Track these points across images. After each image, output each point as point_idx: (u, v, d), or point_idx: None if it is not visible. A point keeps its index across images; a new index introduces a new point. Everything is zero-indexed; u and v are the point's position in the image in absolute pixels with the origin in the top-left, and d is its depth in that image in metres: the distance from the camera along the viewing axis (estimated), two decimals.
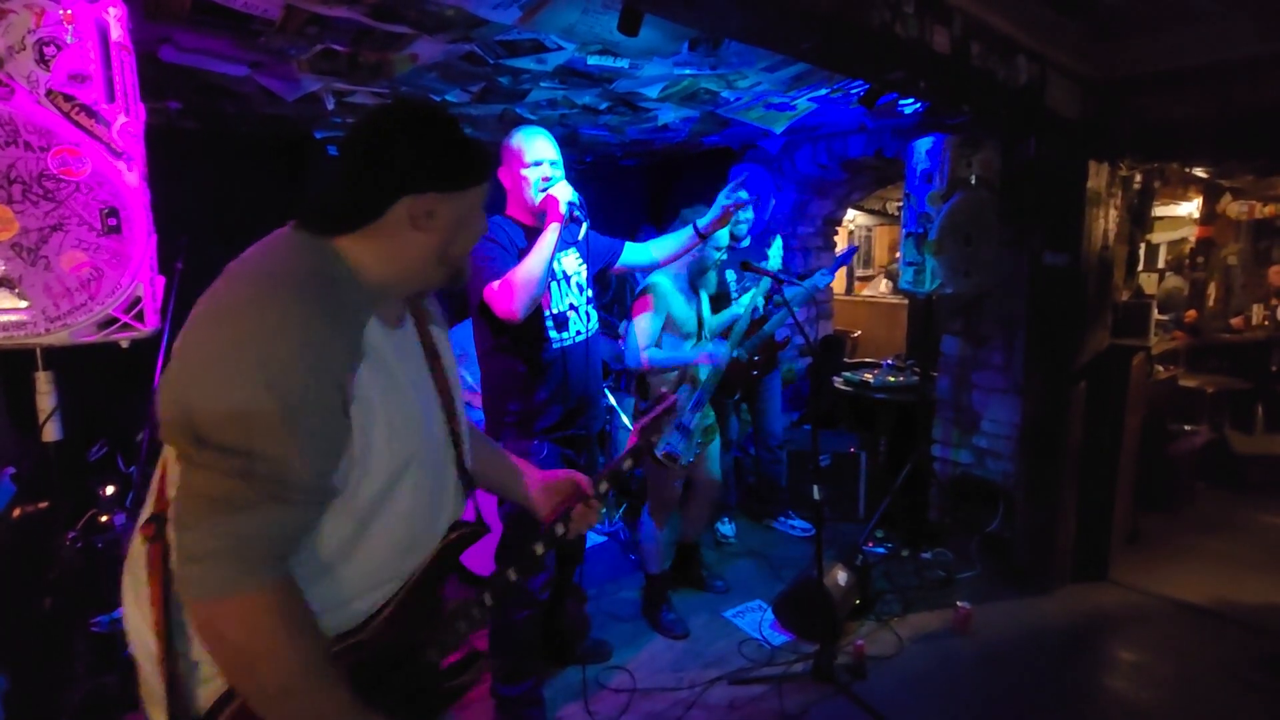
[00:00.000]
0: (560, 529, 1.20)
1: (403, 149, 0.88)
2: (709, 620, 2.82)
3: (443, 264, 0.96)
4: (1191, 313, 5.32)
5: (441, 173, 0.90)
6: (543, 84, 2.82)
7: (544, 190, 1.98)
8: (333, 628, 0.89)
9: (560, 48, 2.37)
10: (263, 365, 0.76)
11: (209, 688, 0.85)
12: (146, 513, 0.89)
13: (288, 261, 0.86)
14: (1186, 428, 4.22)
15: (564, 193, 1.94)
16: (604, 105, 3.19)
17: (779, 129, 3.64)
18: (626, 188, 5.22)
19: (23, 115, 1.28)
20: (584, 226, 2.06)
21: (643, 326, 2.53)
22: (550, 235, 1.91)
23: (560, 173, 2.03)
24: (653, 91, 2.96)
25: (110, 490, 2.63)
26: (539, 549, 1.18)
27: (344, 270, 0.89)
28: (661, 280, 2.59)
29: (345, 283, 0.88)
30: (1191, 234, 6.38)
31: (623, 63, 2.56)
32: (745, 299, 2.93)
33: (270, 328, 0.78)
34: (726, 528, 3.56)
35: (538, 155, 2.01)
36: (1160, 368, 4.09)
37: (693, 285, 2.70)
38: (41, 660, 1.80)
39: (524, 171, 2.01)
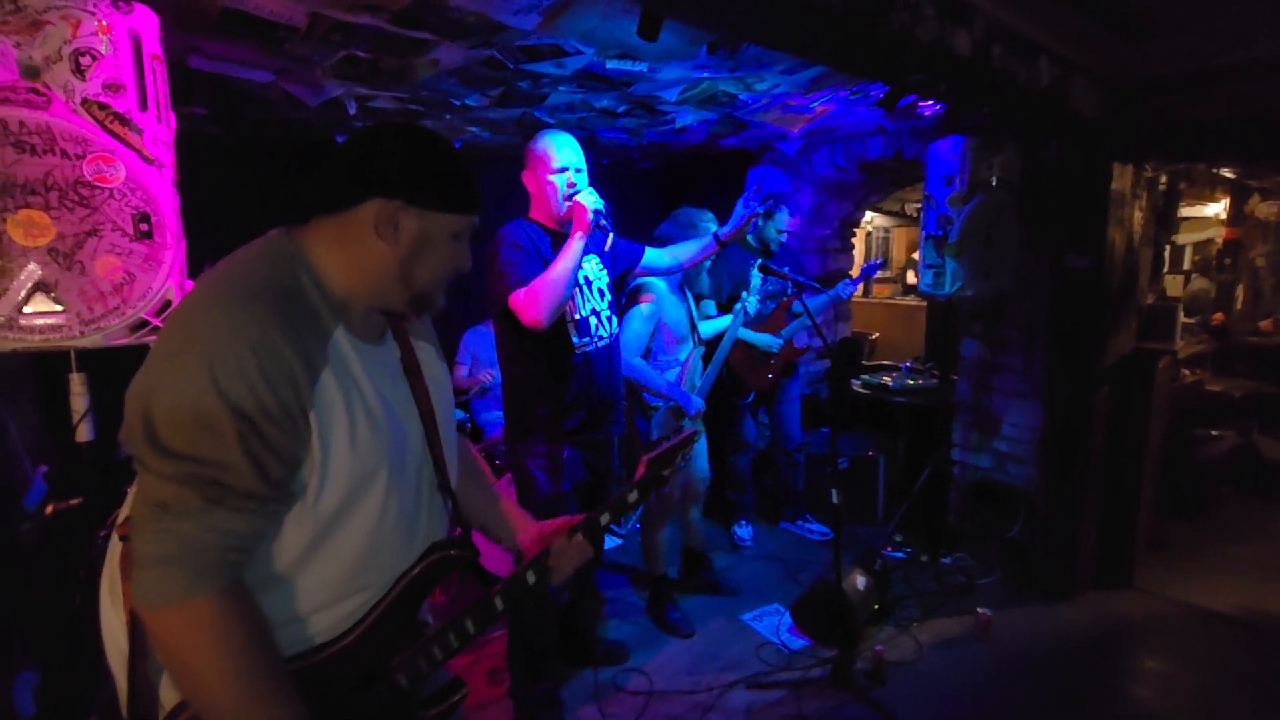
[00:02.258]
0: (530, 576, 1.11)
1: (386, 151, 0.90)
2: (726, 623, 2.82)
3: (405, 284, 0.94)
4: (1218, 315, 5.22)
5: (415, 184, 0.90)
6: (561, 88, 2.83)
7: (570, 197, 1.98)
8: (291, 643, 0.88)
9: (579, 52, 2.39)
10: (211, 371, 0.76)
11: (173, 690, 0.85)
12: (125, 513, 0.91)
13: (251, 268, 0.87)
14: (1213, 432, 4.14)
15: (590, 201, 1.93)
16: (622, 108, 3.21)
17: (797, 131, 3.63)
18: (643, 190, 5.22)
19: (59, 124, 1.31)
20: (610, 237, 2.07)
21: (635, 329, 2.53)
22: (576, 244, 1.91)
23: (585, 179, 2.03)
24: (671, 94, 2.97)
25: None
26: (498, 603, 1.08)
27: (309, 278, 0.89)
28: (658, 282, 2.60)
29: (309, 290, 0.88)
30: (1218, 235, 6.27)
31: (641, 66, 2.57)
32: (737, 307, 2.93)
33: (222, 334, 0.78)
34: (743, 530, 3.55)
35: (564, 161, 2.01)
36: (1186, 371, 4.02)
37: (682, 286, 2.74)
38: (71, 657, 1.84)
39: (549, 177, 2.01)
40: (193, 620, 0.77)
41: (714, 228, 2.83)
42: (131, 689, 0.85)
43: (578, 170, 2.03)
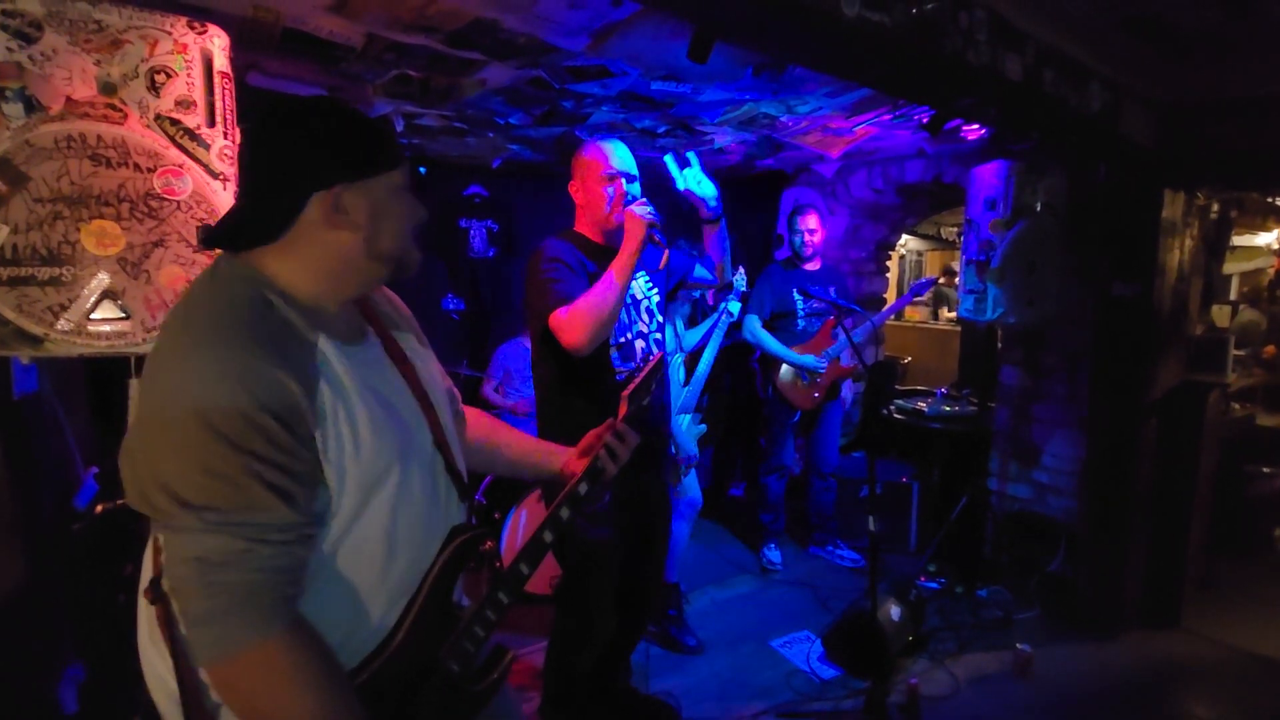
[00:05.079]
0: (583, 487, 1.13)
1: (298, 145, 0.85)
2: (755, 649, 2.77)
3: (375, 259, 0.91)
4: (1270, 348, 5.05)
5: (343, 162, 0.86)
6: (604, 108, 2.87)
7: (623, 207, 1.83)
8: (347, 651, 0.87)
9: (625, 73, 2.42)
10: (208, 420, 0.73)
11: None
12: (146, 577, 0.88)
13: (213, 301, 0.83)
14: (1264, 469, 3.99)
15: (645, 213, 1.75)
16: (662, 129, 3.23)
17: (836, 154, 3.63)
18: (677, 210, 5.25)
19: (133, 138, 1.36)
20: (666, 253, 1.93)
21: None
22: (628, 261, 1.73)
23: (638, 189, 1.89)
24: (712, 116, 2.99)
25: None
26: (547, 536, 1.10)
27: (274, 294, 0.85)
28: None
29: (279, 308, 0.84)
30: (1270, 265, 6.08)
31: (685, 88, 2.59)
32: (721, 307, 2.93)
33: (208, 378, 0.75)
34: (773, 554, 3.51)
35: (616, 167, 1.87)
36: (1236, 405, 3.88)
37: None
38: (117, 654, 1.88)
39: (600, 185, 1.87)
40: (264, 664, 0.75)
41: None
42: None
43: (630, 179, 1.88)
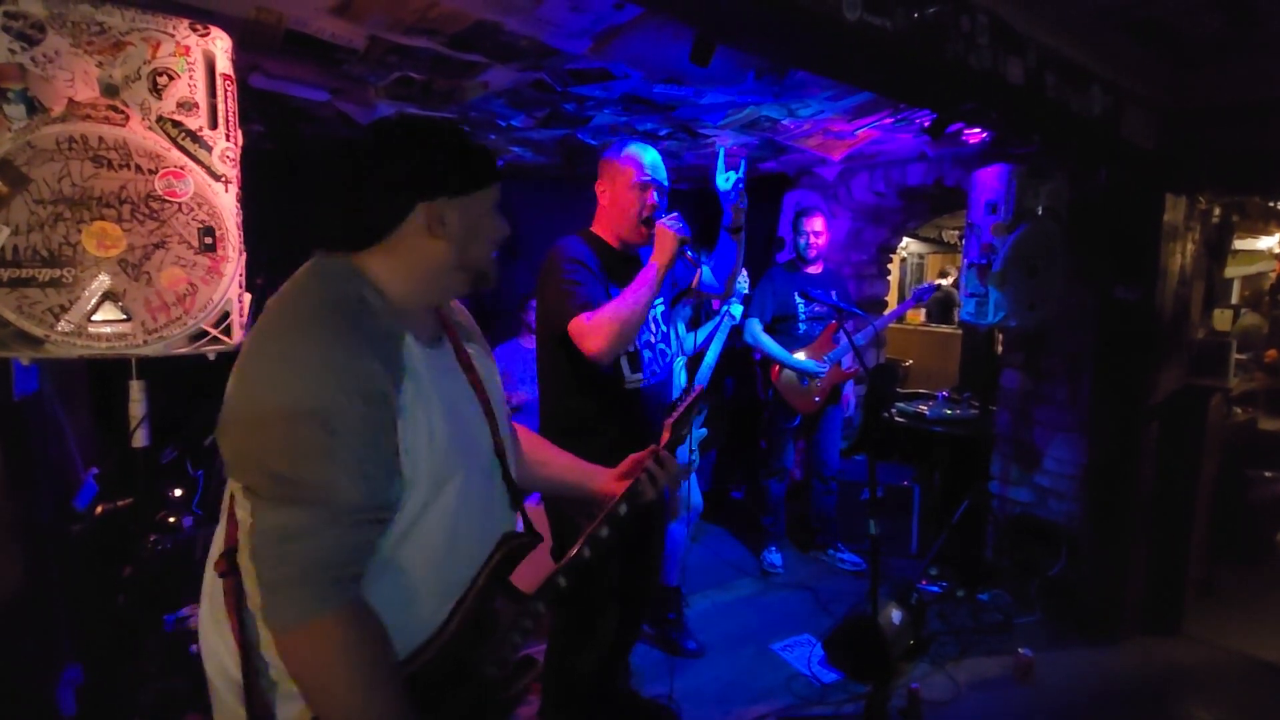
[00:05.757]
0: (623, 508, 1.17)
1: (413, 159, 0.91)
2: (756, 652, 2.76)
3: (463, 270, 0.98)
4: (1271, 352, 5.04)
5: (452, 178, 0.93)
6: (606, 110, 2.87)
7: (649, 219, 1.83)
8: (399, 642, 0.89)
9: (627, 76, 2.42)
10: (305, 400, 0.79)
11: (290, 705, 0.87)
12: (217, 549, 0.92)
13: (319, 293, 0.89)
14: (1266, 474, 3.98)
15: (676, 227, 1.73)
16: (664, 131, 3.24)
17: (837, 157, 3.63)
18: (679, 211, 5.25)
19: (135, 140, 1.36)
20: (697, 274, 1.92)
21: None
22: (656, 276, 1.71)
23: (666, 202, 1.88)
24: (714, 119, 2.99)
25: (178, 493, 2.74)
26: (586, 552, 1.14)
27: (371, 291, 0.91)
28: None
29: (374, 303, 0.90)
30: (1271, 269, 6.08)
31: (687, 90, 2.59)
32: (723, 310, 2.93)
33: (311, 360, 0.81)
34: (774, 557, 3.50)
35: (649, 174, 1.85)
36: (1238, 410, 3.88)
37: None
38: (115, 657, 1.88)
39: (631, 192, 1.85)
40: (321, 638, 0.79)
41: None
42: (250, 708, 0.87)
43: (661, 191, 1.86)
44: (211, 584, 0.93)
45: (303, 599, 0.79)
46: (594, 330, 1.67)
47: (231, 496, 0.91)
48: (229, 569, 0.88)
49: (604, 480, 1.27)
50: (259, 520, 0.81)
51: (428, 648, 0.93)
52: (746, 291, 3.01)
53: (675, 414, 1.31)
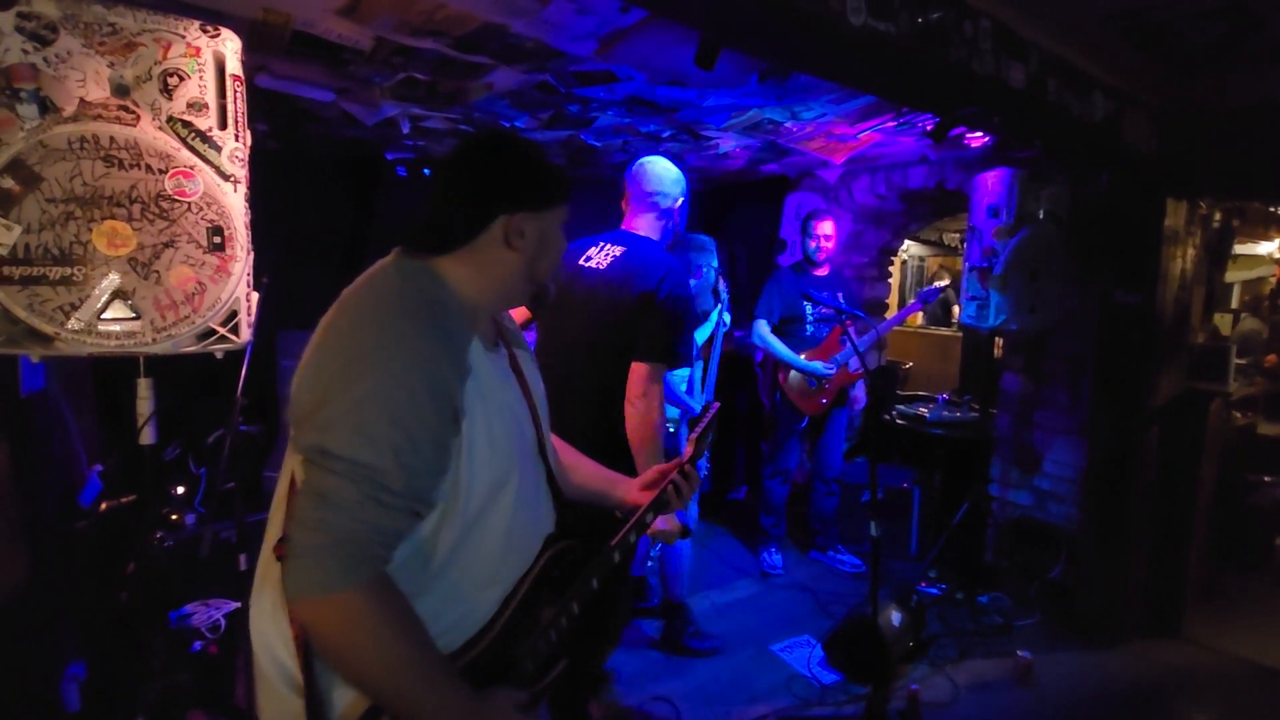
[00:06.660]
0: (650, 516, 1.21)
1: (500, 172, 0.97)
2: (755, 653, 2.77)
3: (530, 281, 1.03)
4: (1271, 357, 5.05)
5: (532, 193, 0.98)
6: (609, 112, 2.88)
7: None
8: (451, 637, 0.92)
9: (631, 78, 2.43)
10: (377, 387, 0.82)
11: (347, 691, 0.88)
12: (276, 533, 0.92)
13: (399, 287, 0.92)
14: (1265, 479, 3.99)
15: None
16: (667, 133, 3.25)
17: (839, 159, 3.64)
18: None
19: (146, 139, 1.37)
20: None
21: None
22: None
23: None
24: (717, 121, 3.00)
25: (180, 490, 2.75)
26: (616, 556, 1.17)
27: (447, 292, 0.95)
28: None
29: (449, 303, 0.94)
30: (1271, 273, 6.09)
31: (691, 93, 2.60)
32: (714, 315, 2.95)
33: (388, 349, 0.84)
34: (773, 558, 3.51)
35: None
36: (1238, 414, 3.89)
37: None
38: (119, 653, 1.89)
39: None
40: (343, 613, 0.80)
41: (713, 260, 2.87)
42: (309, 699, 0.88)
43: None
44: (267, 567, 0.94)
45: (327, 569, 0.80)
46: (650, 396, 1.76)
47: (290, 480, 0.92)
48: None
49: (626, 489, 1.31)
50: (307, 482, 0.83)
51: (477, 642, 0.95)
52: (728, 297, 3.03)
53: (698, 429, 1.36)
